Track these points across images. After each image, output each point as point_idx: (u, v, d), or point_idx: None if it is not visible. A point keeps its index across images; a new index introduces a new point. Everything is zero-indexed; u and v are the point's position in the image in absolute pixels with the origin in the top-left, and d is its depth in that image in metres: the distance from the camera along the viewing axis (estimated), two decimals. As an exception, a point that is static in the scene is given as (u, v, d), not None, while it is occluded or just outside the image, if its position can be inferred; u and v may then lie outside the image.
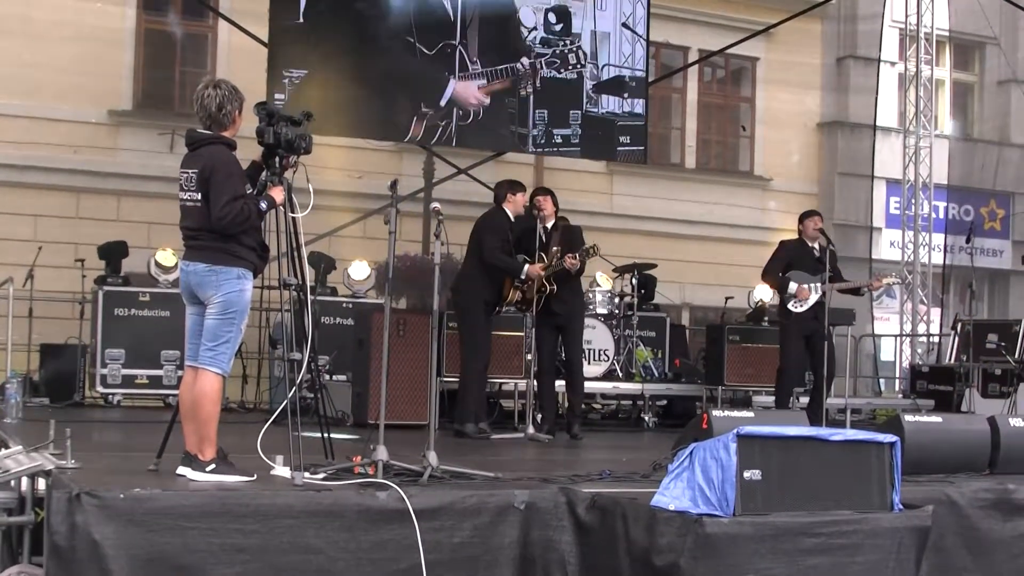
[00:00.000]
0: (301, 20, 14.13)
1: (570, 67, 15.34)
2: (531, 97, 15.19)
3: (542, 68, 15.23)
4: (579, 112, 15.49)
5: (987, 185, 23.22)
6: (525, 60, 15.18)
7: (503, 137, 15.61)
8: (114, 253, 13.83)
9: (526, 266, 10.92)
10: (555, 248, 11.03)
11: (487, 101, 15.02)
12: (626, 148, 15.96)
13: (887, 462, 6.24)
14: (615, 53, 15.75)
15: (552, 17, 15.38)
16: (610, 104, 15.68)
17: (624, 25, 15.77)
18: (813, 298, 11.78)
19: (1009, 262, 23.13)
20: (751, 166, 21.93)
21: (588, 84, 15.55)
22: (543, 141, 15.60)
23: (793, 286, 11.85)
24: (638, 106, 15.86)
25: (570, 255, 10.79)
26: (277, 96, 13.59)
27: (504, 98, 15.13)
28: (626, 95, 15.75)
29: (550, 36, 15.35)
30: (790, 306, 11.90)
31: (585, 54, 15.46)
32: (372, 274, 14.56)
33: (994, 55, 23.50)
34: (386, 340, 7.23)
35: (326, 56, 14.25)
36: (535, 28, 15.27)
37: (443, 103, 14.78)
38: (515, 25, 15.24)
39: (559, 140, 15.59)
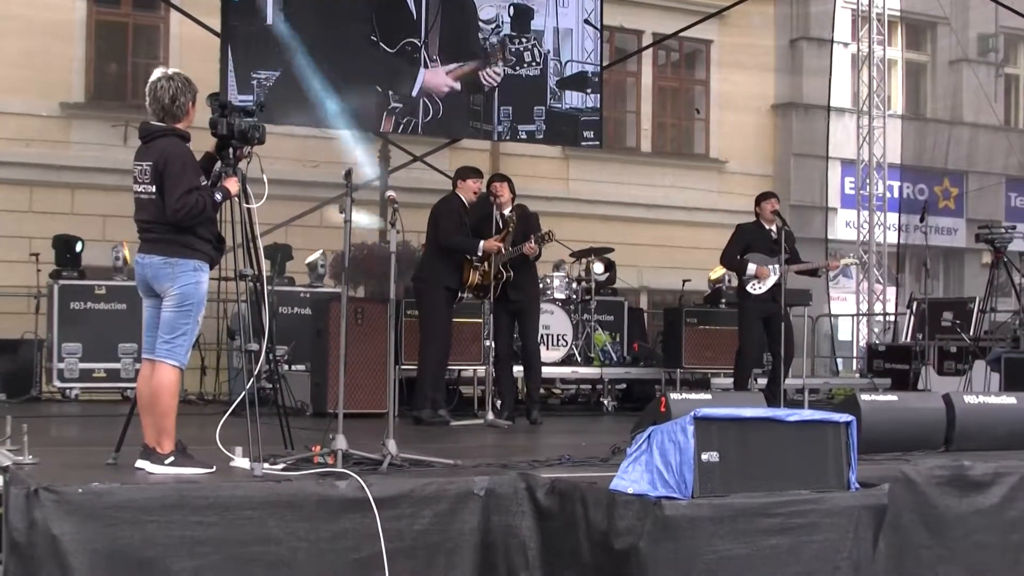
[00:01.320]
0: (269, 23, 14.09)
1: (526, 64, 15.35)
2: (496, 93, 15.19)
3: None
4: (543, 108, 15.55)
5: (939, 164, 23.39)
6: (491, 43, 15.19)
7: (469, 132, 15.75)
8: (67, 246, 13.74)
9: (481, 242, 10.95)
10: (511, 219, 11.06)
11: (458, 86, 15.04)
12: (588, 143, 16.20)
13: (843, 441, 6.28)
14: (577, 49, 15.82)
15: (512, 12, 15.39)
16: (573, 100, 15.74)
17: (586, 22, 15.82)
18: (772, 279, 11.84)
19: (963, 240, 23.31)
20: (706, 149, 22.01)
21: (552, 80, 15.58)
22: (508, 137, 15.80)
23: (752, 267, 11.90)
24: (599, 101, 15.97)
25: (528, 243, 10.82)
26: (244, 98, 13.47)
27: (469, 95, 15.13)
28: (589, 90, 15.84)
29: (512, 33, 15.36)
30: (749, 288, 11.96)
31: (542, 52, 15.47)
32: (319, 257, 14.57)
33: (945, 35, 23.71)
34: (343, 329, 7.22)
35: (292, 56, 14.19)
36: (497, 25, 15.26)
37: (414, 92, 14.76)
38: (476, 22, 15.22)
39: (524, 136, 15.76)
